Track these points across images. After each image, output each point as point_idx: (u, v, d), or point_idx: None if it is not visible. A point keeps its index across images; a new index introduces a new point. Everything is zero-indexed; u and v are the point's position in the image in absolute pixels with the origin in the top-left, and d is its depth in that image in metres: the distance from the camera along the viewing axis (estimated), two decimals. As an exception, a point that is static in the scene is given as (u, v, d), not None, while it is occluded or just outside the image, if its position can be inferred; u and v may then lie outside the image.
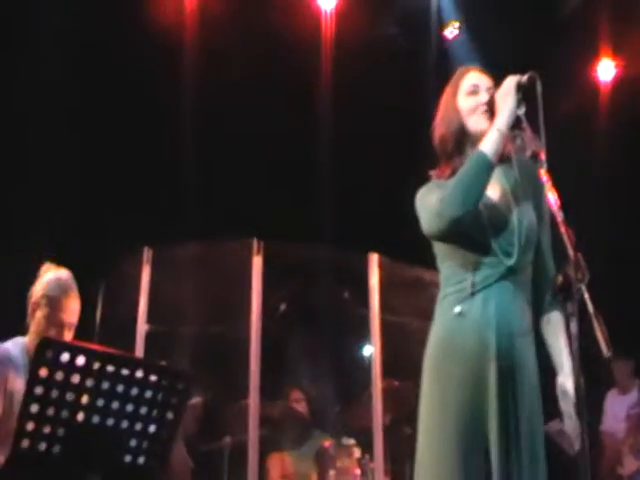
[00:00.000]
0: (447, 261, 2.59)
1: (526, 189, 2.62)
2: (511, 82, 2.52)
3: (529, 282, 2.59)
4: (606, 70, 7.86)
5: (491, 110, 2.59)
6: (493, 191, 2.60)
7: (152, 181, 6.43)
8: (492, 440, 2.38)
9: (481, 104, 2.62)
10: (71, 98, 6.20)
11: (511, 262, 2.51)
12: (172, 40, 6.76)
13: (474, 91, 2.66)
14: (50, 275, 3.25)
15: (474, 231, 2.51)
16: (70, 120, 6.18)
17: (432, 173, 2.72)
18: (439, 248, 2.63)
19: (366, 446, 5.39)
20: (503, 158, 2.61)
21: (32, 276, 3.28)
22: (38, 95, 6.02)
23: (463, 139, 2.65)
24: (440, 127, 2.70)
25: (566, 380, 2.53)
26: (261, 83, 6.63)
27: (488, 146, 2.49)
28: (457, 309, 2.50)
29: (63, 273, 3.26)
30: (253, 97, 6.65)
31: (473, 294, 2.49)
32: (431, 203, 2.53)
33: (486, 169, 2.48)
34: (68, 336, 3.20)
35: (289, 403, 5.96)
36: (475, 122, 2.62)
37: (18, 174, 5.90)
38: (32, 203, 5.89)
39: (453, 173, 2.60)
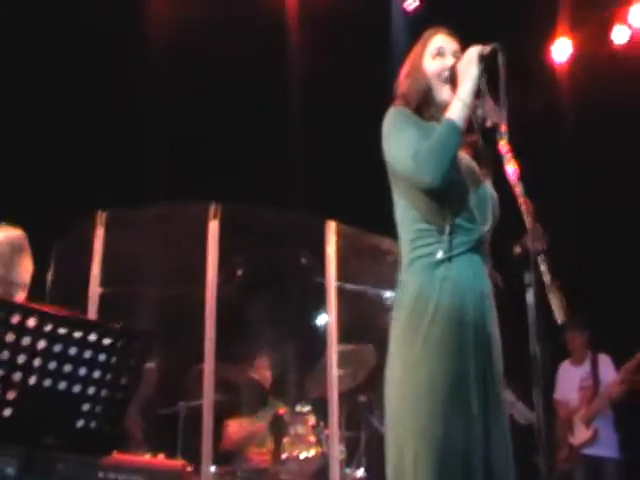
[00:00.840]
0: (417, 219, 2.55)
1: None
2: (474, 52, 2.52)
3: (489, 255, 2.62)
4: (562, 50, 7.86)
5: (453, 78, 2.58)
6: (462, 160, 2.61)
7: (109, 142, 6.31)
8: (472, 390, 2.40)
9: (445, 68, 2.62)
10: (26, 54, 6.05)
11: (486, 228, 2.55)
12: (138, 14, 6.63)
13: (440, 54, 2.66)
14: (2, 234, 3.18)
15: (453, 189, 2.51)
16: (24, 79, 6.03)
17: (399, 102, 2.69)
18: (408, 202, 2.58)
19: (322, 413, 5.40)
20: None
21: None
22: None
23: (427, 100, 2.65)
24: (404, 85, 2.70)
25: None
26: (224, 38, 6.51)
27: (455, 115, 2.50)
28: (439, 255, 2.48)
29: (16, 232, 3.21)
30: (213, 53, 6.54)
31: (450, 259, 2.48)
32: (406, 149, 2.50)
33: (457, 135, 2.48)
34: (21, 296, 3.15)
35: (247, 369, 5.95)
36: (438, 89, 2.63)
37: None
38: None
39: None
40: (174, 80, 6.66)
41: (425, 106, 2.65)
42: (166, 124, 6.60)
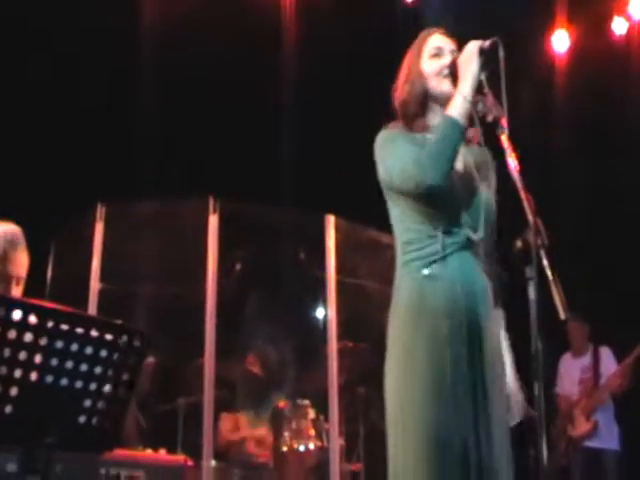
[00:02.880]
0: (410, 225, 2.57)
1: (483, 171, 2.66)
2: (474, 47, 2.51)
3: (488, 255, 2.62)
4: (561, 41, 7.84)
5: (453, 74, 2.57)
6: (458, 163, 2.60)
7: (106, 136, 6.28)
8: (460, 377, 2.41)
9: (444, 66, 2.60)
10: (17, 54, 6.03)
11: (478, 236, 2.54)
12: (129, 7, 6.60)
13: (437, 54, 2.63)
14: None
15: (447, 197, 2.51)
16: (15, 73, 6.00)
17: (390, 125, 2.67)
18: (402, 210, 2.59)
19: (321, 407, 5.41)
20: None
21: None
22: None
23: (426, 102, 2.63)
24: (403, 89, 2.67)
25: (510, 382, 2.61)
26: (220, 35, 6.48)
27: (456, 111, 2.48)
28: (426, 271, 2.50)
29: (10, 227, 3.21)
30: (210, 49, 6.52)
31: (443, 258, 2.50)
32: (402, 159, 2.50)
33: (459, 132, 2.47)
34: (17, 290, 3.15)
35: (246, 365, 5.95)
36: (438, 84, 2.60)
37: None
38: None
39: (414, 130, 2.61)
40: (170, 75, 6.62)
41: (422, 111, 2.63)
42: (163, 119, 6.57)
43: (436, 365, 2.43)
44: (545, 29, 7.79)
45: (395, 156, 2.54)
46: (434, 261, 2.50)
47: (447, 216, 2.52)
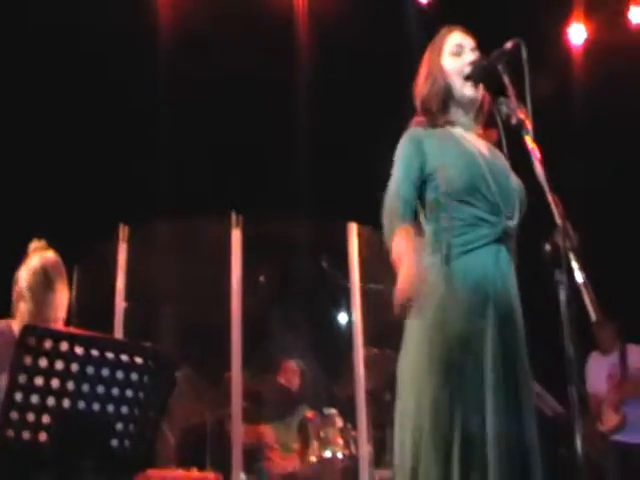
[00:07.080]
0: (441, 213, 2.52)
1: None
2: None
3: (514, 249, 2.58)
4: (577, 34, 7.81)
5: (474, 75, 2.61)
6: (482, 148, 2.59)
7: (124, 156, 6.29)
8: (488, 380, 2.37)
9: (465, 65, 2.61)
10: (41, 76, 6.05)
11: (513, 223, 2.51)
12: (144, 20, 6.60)
13: (458, 52, 2.65)
14: (35, 262, 2.97)
15: (477, 192, 2.49)
16: (39, 96, 6.03)
17: (413, 122, 2.68)
18: (434, 199, 2.56)
19: (348, 415, 5.40)
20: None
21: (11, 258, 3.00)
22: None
23: (447, 99, 2.64)
24: (424, 86, 2.68)
25: None
26: (234, 56, 6.49)
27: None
28: (455, 261, 2.46)
29: (49, 261, 2.98)
30: (225, 68, 6.53)
31: (473, 249, 2.47)
32: (391, 184, 2.60)
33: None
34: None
35: (276, 376, 5.94)
36: (461, 86, 2.62)
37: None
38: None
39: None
40: (185, 91, 6.62)
41: (444, 107, 2.63)
42: (180, 135, 6.57)
43: (448, 340, 2.39)
44: (562, 22, 7.76)
45: (393, 173, 2.60)
46: (464, 252, 2.46)
47: (482, 206, 2.49)
